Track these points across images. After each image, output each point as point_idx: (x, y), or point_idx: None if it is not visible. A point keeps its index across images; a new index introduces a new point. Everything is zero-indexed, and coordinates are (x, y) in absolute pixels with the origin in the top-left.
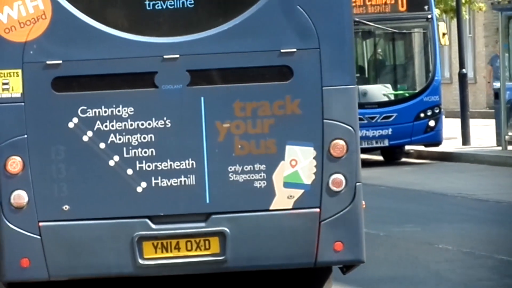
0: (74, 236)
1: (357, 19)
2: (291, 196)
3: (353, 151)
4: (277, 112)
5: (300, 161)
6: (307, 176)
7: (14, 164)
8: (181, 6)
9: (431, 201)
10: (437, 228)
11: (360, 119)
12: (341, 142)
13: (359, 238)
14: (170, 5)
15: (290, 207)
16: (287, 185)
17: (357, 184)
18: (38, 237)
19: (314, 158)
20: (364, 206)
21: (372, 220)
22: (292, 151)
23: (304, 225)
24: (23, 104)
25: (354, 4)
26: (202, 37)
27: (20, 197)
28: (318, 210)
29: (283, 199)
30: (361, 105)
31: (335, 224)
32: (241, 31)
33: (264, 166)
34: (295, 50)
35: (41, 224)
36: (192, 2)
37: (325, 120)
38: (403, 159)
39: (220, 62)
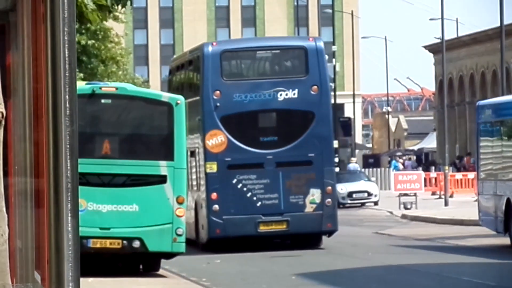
0: (236, 222)
1: None
2: (312, 207)
3: (335, 190)
4: (307, 177)
5: (315, 194)
6: (318, 199)
7: (215, 194)
8: (273, 140)
9: None
10: None
11: None
12: (330, 187)
13: (336, 222)
14: (269, 139)
15: (312, 211)
16: (311, 203)
17: (335, 201)
18: (222, 221)
19: (320, 193)
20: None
21: None
22: (312, 191)
23: (317, 218)
24: (217, 174)
25: None
26: (280, 150)
27: (216, 207)
28: (322, 212)
29: (309, 208)
30: None
31: (328, 217)
32: (295, 147)
33: (302, 196)
34: (313, 154)
35: (223, 217)
36: (276, 139)
37: (324, 180)
38: None
39: (288, 158)
